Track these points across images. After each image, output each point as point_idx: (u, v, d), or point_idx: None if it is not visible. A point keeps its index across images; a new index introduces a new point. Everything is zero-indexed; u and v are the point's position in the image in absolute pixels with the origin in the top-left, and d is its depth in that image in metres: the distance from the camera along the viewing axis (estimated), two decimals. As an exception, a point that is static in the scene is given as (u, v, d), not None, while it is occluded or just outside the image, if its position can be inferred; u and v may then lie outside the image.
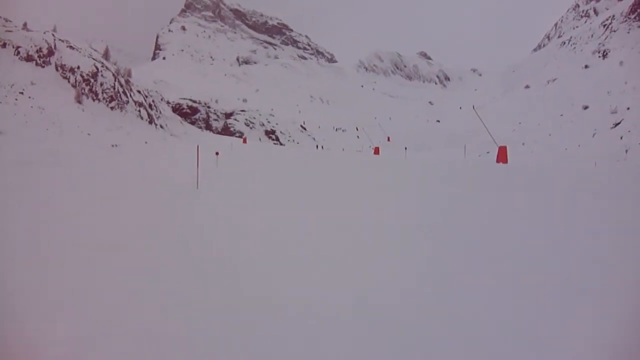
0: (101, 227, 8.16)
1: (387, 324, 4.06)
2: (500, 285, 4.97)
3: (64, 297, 4.74)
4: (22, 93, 42.95)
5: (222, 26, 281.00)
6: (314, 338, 3.84)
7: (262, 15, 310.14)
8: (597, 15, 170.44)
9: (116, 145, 40.04)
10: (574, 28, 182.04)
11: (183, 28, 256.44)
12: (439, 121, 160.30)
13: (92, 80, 54.41)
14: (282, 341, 3.79)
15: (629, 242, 6.63)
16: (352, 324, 4.10)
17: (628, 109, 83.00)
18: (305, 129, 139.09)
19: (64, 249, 6.59)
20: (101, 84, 55.37)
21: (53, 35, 57.55)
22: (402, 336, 3.84)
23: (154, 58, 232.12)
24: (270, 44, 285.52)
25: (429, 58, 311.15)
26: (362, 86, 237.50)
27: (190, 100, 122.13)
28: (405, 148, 61.04)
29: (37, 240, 7.03)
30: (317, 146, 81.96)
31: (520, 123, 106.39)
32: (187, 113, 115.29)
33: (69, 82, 52.39)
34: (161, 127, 65.81)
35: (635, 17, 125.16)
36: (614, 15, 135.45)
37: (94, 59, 58.92)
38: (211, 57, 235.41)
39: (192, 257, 6.32)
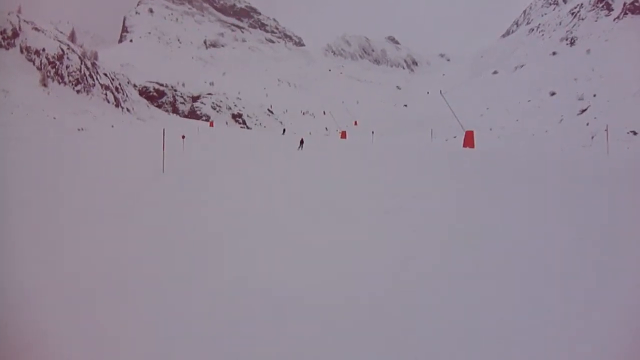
0: (64, 211, 8.63)
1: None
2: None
3: (34, 276, 5.22)
4: (-14, 76, 42.90)
5: (189, 9, 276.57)
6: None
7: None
8: (565, 3, 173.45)
9: (82, 129, 40.70)
10: (542, 15, 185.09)
11: (150, 10, 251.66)
12: (406, 105, 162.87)
13: (57, 63, 54.48)
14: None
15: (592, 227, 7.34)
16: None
17: (594, 95, 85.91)
18: (272, 112, 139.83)
19: (30, 233, 6.84)
20: (67, 67, 55.48)
21: (18, 16, 56.98)
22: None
23: (120, 41, 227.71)
24: (238, 27, 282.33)
25: (397, 42, 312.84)
26: (330, 70, 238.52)
27: (157, 83, 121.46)
28: (372, 132, 62.54)
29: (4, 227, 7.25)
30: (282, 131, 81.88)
31: (487, 108, 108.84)
32: (154, 96, 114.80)
33: (34, 64, 52.38)
34: (128, 110, 66.13)
35: (602, 6, 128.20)
36: (582, 4, 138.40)
37: (59, 41, 58.78)
38: (178, 40, 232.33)
39: (152, 236, 7.01)
